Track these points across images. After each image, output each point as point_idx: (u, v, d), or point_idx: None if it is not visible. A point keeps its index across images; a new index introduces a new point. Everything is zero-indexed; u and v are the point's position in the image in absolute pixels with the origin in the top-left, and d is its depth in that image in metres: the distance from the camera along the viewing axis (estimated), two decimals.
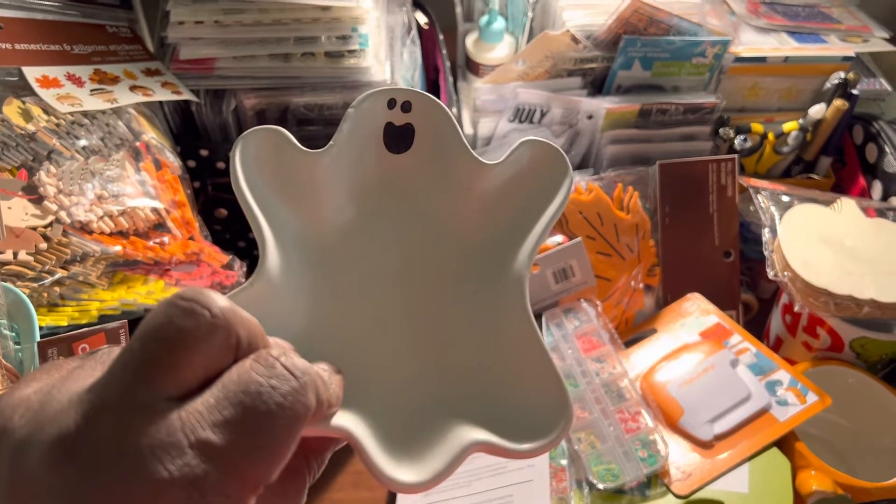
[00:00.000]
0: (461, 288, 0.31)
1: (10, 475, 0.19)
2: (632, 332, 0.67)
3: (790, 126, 0.72)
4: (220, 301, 0.21)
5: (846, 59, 0.74)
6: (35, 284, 0.47)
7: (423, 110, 0.31)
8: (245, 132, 0.30)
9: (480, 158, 0.31)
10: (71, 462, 0.18)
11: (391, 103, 0.31)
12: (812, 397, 0.56)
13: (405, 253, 0.32)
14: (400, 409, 0.29)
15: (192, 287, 0.21)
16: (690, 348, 0.61)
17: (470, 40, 0.80)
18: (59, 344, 0.41)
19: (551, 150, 0.31)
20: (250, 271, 0.62)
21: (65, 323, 0.48)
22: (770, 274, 0.61)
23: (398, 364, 0.30)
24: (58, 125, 0.53)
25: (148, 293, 0.53)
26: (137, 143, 0.57)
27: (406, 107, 0.31)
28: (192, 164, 0.65)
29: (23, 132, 0.51)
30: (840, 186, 0.76)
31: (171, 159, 0.59)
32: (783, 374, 0.58)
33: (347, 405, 0.26)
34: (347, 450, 0.29)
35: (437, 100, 0.31)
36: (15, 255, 0.47)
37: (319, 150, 0.30)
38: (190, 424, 0.19)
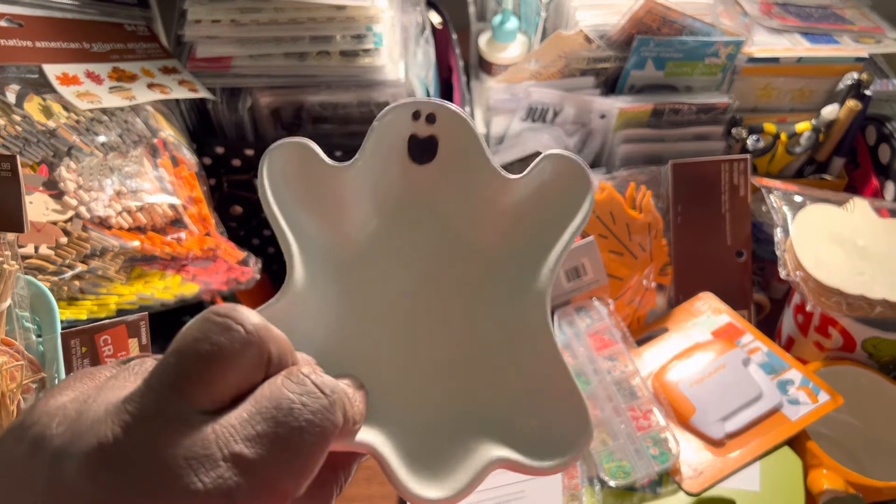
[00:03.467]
0: (483, 302, 0.32)
1: (48, 483, 0.19)
2: (644, 330, 0.67)
3: (803, 126, 0.73)
4: (253, 317, 0.22)
5: (859, 59, 0.74)
6: (55, 278, 0.48)
7: (447, 122, 0.31)
8: (272, 145, 0.30)
9: (503, 172, 0.31)
10: (109, 471, 0.19)
11: (416, 115, 0.31)
12: (824, 397, 0.56)
13: (428, 266, 0.32)
14: (422, 423, 0.29)
15: (225, 303, 0.22)
16: (702, 347, 0.61)
17: (483, 40, 0.80)
18: (81, 335, 0.42)
19: (573, 164, 0.31)
20: (265, 268, 0.63)
21: (84, 316, 0.49)
22: (782, 273, 0.61)
23: (421, 378, 0.30)
24: (77, 122, 0.54)
25: (165, 288, 0.54)
26: (155, 140, 0.57)
27: (431, 118, 0.31)
28: (207, 161, 0.66)
29: (43, 128, 0.51)
30: (853, 187, 0.76)
31: (188, 156, 0.59)
32: (795, 374, 0.58)
33: (371, 420, 0.26)
34: None
35: (462, 112, 0.31)
36: (36, 249, 0.47)
37: (345, 163, 0.31)
38: (224, 438, 0.20)
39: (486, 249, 0.32)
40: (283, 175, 0.30)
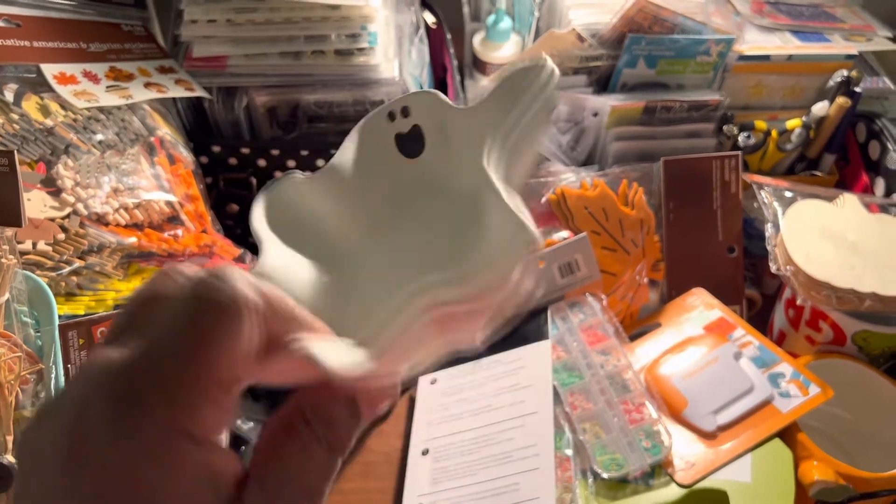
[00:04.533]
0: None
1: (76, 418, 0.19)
2: (636, 326, 0.68)
3: (793, 123, 0.73)
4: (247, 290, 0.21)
5: (849, 57, 0.75)
6: (53, 274, 0.49)
7: (419, 105, 0.31)
8: (259, 193, 0.30)
9: (469, 104, 0.31)
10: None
11: (391, 116, 0.31)
12: (814, 389, 0.57)
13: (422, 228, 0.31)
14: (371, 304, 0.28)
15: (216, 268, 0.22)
16: (694, 341, 0.62)
17: (477, 39, 0.81)
18: (78, 327, 0.43)
19: (528, 64, 0.30)
20: None
21: (81, 312, 0.49)
22: (773, 268, 0.61)
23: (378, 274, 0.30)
24: (75, 120, 0.54)
25: None
26: (152, 139, 0.58)
27: (406, 112, 0.31)
28: (204, 160, 0.66)
29: (41, 127, 0.52)
30: (843, 184, 0.76)
31: (185, 154, 0.60)
32: (786, 367, 0.59)
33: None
34: (357, 442, 0.29)
35: (427, 89, 0.31)
36: (34, 245, 0.48)
37: (328, 174, 0.30)
38: None
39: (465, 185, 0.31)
40: (271, 221, 0.30)
